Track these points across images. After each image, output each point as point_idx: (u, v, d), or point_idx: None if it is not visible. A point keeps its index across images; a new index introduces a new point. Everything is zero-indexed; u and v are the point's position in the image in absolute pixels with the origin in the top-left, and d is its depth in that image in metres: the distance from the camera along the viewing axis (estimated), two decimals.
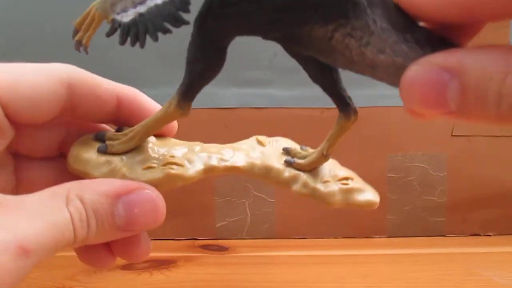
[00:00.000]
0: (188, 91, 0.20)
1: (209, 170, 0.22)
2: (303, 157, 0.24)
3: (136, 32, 0.17)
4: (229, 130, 0.44)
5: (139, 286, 0.35)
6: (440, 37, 0.16)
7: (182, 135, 0.47)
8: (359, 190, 0.24)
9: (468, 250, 0.42)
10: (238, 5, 0.16)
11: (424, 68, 0.14)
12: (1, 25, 0.44)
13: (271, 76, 0.44)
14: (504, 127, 0.14)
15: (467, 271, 0.37)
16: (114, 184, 0.19)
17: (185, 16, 0.17)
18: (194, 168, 0.22)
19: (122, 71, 0.47)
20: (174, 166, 0.21)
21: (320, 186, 0.24)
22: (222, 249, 0.43)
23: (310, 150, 0.25)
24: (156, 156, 0.22)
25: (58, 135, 0.23)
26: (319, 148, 0.24)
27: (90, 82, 0.22)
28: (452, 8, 0.14)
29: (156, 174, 0.21)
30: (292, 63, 0.21)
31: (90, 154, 0.21)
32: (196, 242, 0.45)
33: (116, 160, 0.21)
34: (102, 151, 0.21)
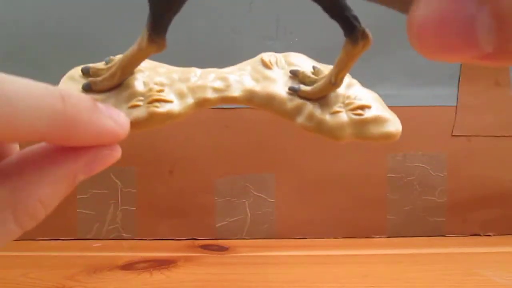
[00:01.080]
0: (156, 22, 0.18)
1: (202, 103, 0.20)
2: (312, 82, 0.21)
3: None
4: (229, 130, 0.44)
5: (139, 286, 0.35)
6: None
7: (182, 135, 0.47)
8: (375, 121, 0.20)
9: (468, 250, 0.42)
10: None
11: (437, 1, 0.10)
12: (2, 25, 0.44)
13: None
14: None
15: (467, 271, 0.37)
16: (73, 164, 0.16)
17: None
18: (184, 103, 0.20)
19: None
20: (160, 104, 0.19)
21: (328, 118, 0.20)
22: (222, 249, 0.43)
23: (325, 71, 0.22)
24: (143, 91, 0.20)
25: None
26: (327, 74, 0.21)
27: None
28: None
29: (141, 113, 0.19)
30: None
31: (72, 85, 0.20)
32: (196, 242, 0.45)
33: (101, 97, 0.19)
34: (86, 89, 0.20)
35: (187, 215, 0.45)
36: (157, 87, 0.20)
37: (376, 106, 0.21)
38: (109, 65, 0.20)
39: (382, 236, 0.46)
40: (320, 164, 0.45)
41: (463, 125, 0.44)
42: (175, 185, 0.45)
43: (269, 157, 0.45)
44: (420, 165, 0.45)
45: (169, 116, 0.19)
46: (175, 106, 0.19)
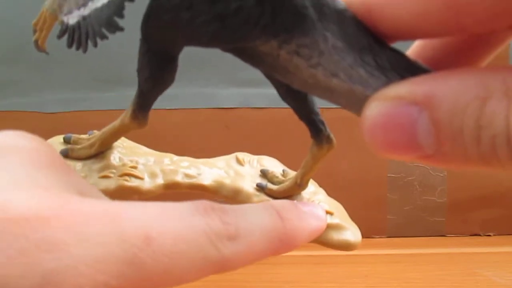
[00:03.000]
0: (141, 102, 0.19)
1: (171, 186, 0.21)
2: (279, 183, 0.22)
3: (79, 36, 0.16)
4: (229, 130, 0.44)
5: None
6: (412, 61, 0.13)
7: (183, 135, 0.47)
8: (336, 228, 0.22)
9: (468, 250, 0.42)
10: (173, 13, 0.15)
11: (384, 104, 0.11)
12: (2, 26, 0.44)
13: None
14: (493, 170, 0.12)
15: (467, 271, 0.37)
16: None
17: (121, 22, 0.16)
18: (154, 182, 0.21)
19: (124, 72, 0.47)
20: (130, 178, 0.20)
21: None
22: None
23: (291, 175, 0.23)
24: (117, 165, 0.21)
25: None
26: (294, 175, 0.22)
27: None
28: (433, 16, 0.11)
29: (110, 184, 0.20)
30: None
31: None
32: None
33: (75, 165, 0.20)
34: (63, 155, 0.20)
35: None
36: (130, 163, 0.21)
37: (338, 215, 0.22)
38: (89, 136, 0.21)
39: (382, 236, 0.46)
40: (319, 164, 0.45)
41: None
42: None
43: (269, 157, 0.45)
44: (420, 165, 0.45)
45: (136, 191, 0.20)
46: (145, 183, 0.20)
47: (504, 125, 0.10)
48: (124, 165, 0.21)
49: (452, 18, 0.11)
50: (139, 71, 0.18)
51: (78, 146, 0.21)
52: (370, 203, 0.45)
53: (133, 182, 0.20)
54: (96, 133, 0.21)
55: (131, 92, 0.48)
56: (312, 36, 0.13)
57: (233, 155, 0.24)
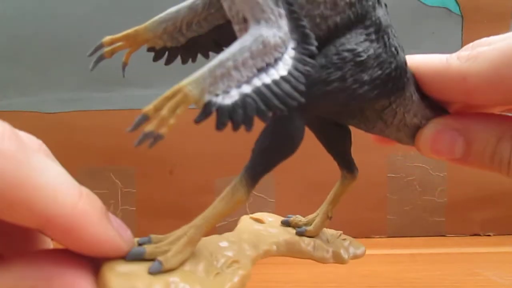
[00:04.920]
0: (258, 178, 0.18)
1: (254, 259, 0.20)
2: (306, 224, 0.25)
3: (243, 114, 0.15)
4: (229, 130, 0.44)
5: None
6: (436, 103, 0.21)
7: (182, 135, 0.47)
8: (354, 242, 0.27)
9: (468, 250, 0.42)
10: (338, 82, 0.17)
11: (437, 126, 0.20)
12: (2, 26, 0.44)
13: None
14: (494, 173, 0.20)
15: (467, 271, 0.37)
16: None
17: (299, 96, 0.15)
18: (247, 259, 0.20)
19: (120, 72, 0.47)
20: (238, 265, 0.18)
21: (335, 248, 0.25)
22: None
23: (307, 217, 0.26)
24: (212, 257, 0.18)
25: None
26: (321, 212, 0.26)
27: None
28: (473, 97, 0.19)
29: (230, 280, 0.17)
30: None
31: (136, 278, 0.15)
32: None
33: (175, 278, 0.16)
34: (156, 271, 0.15)
35: (187, 215, 0.45)
36: (221, 252, 0.19)
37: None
38: (170, 238, 0.18)
39: (382, 236, 0.46)
40: (320, 164, 0.45)
41: None
42: (175, 185, 0.45)
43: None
44: (420, 165, 0.45)
45: (248, 276, 0.18)
46: (245, 264, 0.19)
47: (507, 157, 0.18)
48: (217, 255, 0.19)
49: (463, 98, 0.20)
50: (275, 138, 0.18)
51: (170, 254, 0.17)
52: (370, 203, 0.45)
53: (243, 268, 0.18)
54: (161, 237, 0.18)
55: (131, 92, 0.48)
56: (409, 92, 0.20)
57: (248, 221, 0.25)
